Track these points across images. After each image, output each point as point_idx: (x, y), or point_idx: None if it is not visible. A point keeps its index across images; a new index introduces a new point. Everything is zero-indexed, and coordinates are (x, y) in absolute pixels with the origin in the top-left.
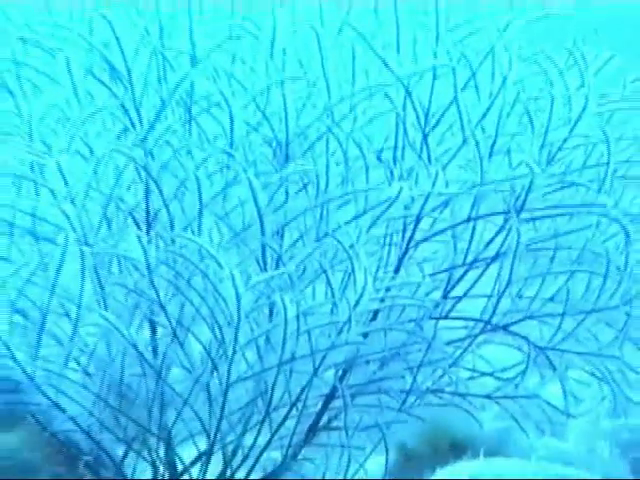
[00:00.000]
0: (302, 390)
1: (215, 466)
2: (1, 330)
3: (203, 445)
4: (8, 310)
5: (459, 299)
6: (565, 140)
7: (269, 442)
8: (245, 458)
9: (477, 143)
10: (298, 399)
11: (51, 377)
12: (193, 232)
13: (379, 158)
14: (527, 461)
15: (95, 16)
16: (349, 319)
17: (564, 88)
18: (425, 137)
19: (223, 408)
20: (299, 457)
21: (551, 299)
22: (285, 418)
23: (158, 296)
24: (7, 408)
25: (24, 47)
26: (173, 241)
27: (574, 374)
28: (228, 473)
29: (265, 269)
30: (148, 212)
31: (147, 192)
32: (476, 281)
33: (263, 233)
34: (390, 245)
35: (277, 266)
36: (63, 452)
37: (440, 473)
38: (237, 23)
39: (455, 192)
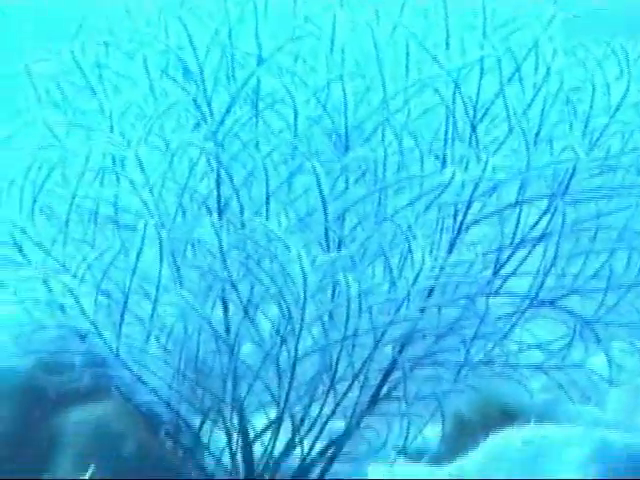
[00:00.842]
0: (364, 363)
1: (284, 434)
2: (88, 310)
3: (273, 414)
4: (94, 292)
5: (508, 277)
6: (606, 127)
7: (334, 411)
8: (312, 426)
9: (523, 131)
10: (360, 372)
11: (134, 353)
12: (261, 218)
13: (431, 148)
14: (576, 427)
15: (170, 19)
16: (407, 296)
17: (603, 78)
18: (474, 128)
19: (291, 380)
20: (362, 425)
21: (594, 275)
22: (348, 389)
23: (230, 277)
24: (94, 381)
25: (106, 50)
26: (243, 226)
27: (616, 346)
28: (296, 440)
29: (328, 251)
30: (219, 200)
31: (218, 182)
32: (523, 260)
33: (326, 218)
34: (442, 229)
35: (339, 248)
36: (145, 421)
37: (493, 438)
38: (299, 24)
39: (505, 177)
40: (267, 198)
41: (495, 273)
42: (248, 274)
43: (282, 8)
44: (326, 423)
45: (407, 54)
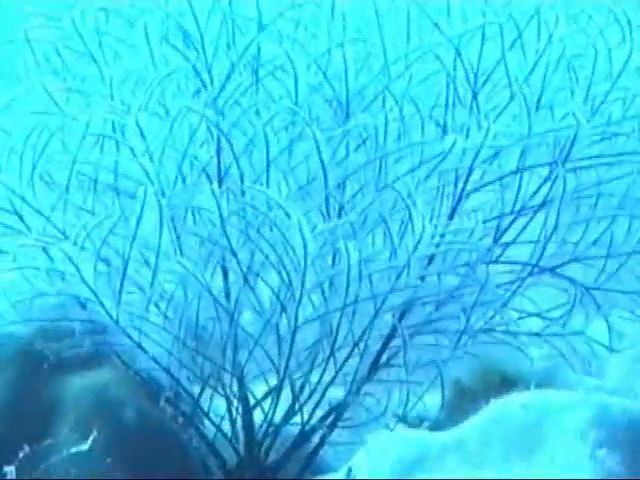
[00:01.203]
0: (364, 330)
1: (284, 401)
2: (88, 277)
3: (273, 381)
4: (94, 259)
5: (508, 245)
6: (608, 93)
7: (334, 379)
8: (311, 393)
9: (525, 97)
10: (360, 339)
11: (134, 320)
12: (262, 185)
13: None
14: (575, 392)
15: None
16: (408, 263)
17: (605, 44)
18: (475, 95)
19: (291, 348)
20: (362, 392)
21: (594, 243)
22: (348, 356)
23: (230, 244)
24: (95, 349)
25: (106, 17)
26: (244, 193)
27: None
28: (296, 407)
29: (329, 219)
30: (220, 167)
31: (218, 149)
32: (524, 228)
33: (326, 185)
34: (443, 196)
35: (340, 216)
36: (145, 388)
37: (493, 404)
38: None
39: (506, 144)
40: (267, 165)
41: (496, 241)
42: (248, 241)
43: None
44: (326, 390)
45: (408, 20)
